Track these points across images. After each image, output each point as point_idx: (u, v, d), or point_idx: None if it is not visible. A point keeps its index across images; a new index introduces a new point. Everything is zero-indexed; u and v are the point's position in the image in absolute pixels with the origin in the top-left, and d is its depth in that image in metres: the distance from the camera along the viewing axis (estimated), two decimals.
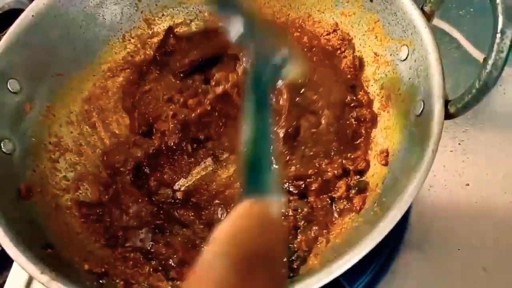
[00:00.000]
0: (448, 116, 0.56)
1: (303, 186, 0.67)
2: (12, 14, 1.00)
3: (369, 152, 0.69)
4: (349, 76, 0.74)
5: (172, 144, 0.76)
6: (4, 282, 0.79)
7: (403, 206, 0.52)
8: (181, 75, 0.79)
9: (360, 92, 0.72)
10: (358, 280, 0.68)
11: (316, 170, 0.67)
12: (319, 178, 0.67)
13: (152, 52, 0.83)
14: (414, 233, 0.72)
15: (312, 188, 0.67)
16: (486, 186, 0.73)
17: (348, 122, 0.70)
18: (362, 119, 0.70)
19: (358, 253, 0.50)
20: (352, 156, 0.68)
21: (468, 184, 0.74)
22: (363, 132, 0.70)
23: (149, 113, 0.79)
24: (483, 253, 0.69)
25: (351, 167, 0.67)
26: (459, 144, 0.77)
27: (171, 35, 0.82)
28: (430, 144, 0.54)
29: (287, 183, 0.68)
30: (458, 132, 0.77)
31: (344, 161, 0.68)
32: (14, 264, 0.79)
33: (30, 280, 0.76)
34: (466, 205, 0.72)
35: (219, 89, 0.75)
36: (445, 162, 0.75)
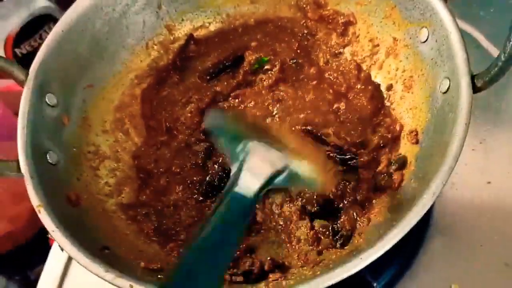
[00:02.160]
0: (476, 89, 0.58)
1: (354, 160, 0.70)
2: (42, 19, 1.04)
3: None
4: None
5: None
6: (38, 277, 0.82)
7: (444, 177, 0.54)
8: (208, 77, 0.82)
9: None
10: (382, 275, 0.71)
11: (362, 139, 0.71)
12: (368, 149, 0.71)
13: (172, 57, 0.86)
14: (437, 229, 0.74)
15: (362, 160, 0.71)
16: (508, 184, 0.76)
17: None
18: None
19: (401, 229, 0.52)
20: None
21: (490, 182, 0.76)
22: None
23: (165, 118, 0.82)
24: (505, 249, 0.71)
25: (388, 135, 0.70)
26: (480, 143, 0.79)
27: (192, 41, 0.85)
28: (462, 117, 0.56)
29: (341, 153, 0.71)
30: (479, 131, 0.80)
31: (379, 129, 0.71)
32: (49, 259, 0.83)
33: (63, 276, 0.79)
34: (488, 202, 0.75)
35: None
36: (467, 160, 0.77)
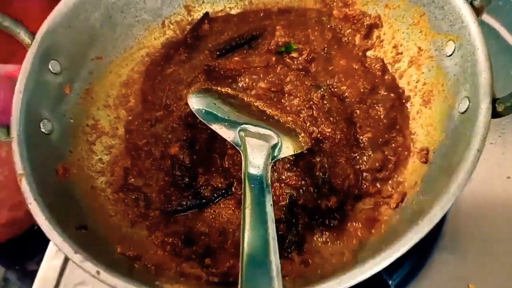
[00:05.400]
0: (495, 115, 0.54)
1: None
2: None
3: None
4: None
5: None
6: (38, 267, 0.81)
7: (445, 206, 0.50)
8: (217, 53, 0.78)
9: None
10: (396, 272, 0.68)
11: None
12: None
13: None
14: (452, 226, 0.70)
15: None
16: None
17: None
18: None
19: (397, 249, 0.49)
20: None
21: (509, 177, 0.71)
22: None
23: (167, 95, 0.78)
24: None
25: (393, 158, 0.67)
26: (499, 136, 0.75)
27: (206, 21, 0.82)
28: (475, 143, 0.52)
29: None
30: (498, 125, 0.76)
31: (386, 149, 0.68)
32: (48, 249, 0.81)
33: (63, 266, 0.78)
34: (506, 198, 0.71)
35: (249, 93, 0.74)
36: (485, 154, 0.70)
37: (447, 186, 0.51)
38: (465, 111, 0.58)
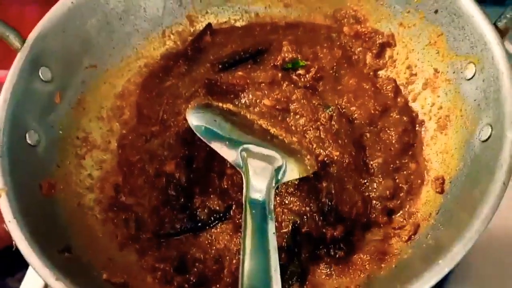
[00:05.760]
0: None
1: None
2: None
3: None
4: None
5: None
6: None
7: (466, 245, 0.45)
8: (220, 66, 0.73)
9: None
10: None
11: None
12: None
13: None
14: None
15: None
16: None
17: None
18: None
19: None
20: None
21: None
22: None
23: (164, 109, 0.72)
24: None
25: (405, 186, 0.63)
26: None
27: (208, 32, 0.77)
28: (500, 176, 0.48)
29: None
30: None
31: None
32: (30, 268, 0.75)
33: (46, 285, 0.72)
34: None
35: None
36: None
37: (470, 222, 0.47)
38: (487, 139, 0.53)
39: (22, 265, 0.76)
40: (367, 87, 0.69)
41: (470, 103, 0.59)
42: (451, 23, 0.62)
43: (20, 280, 0.76)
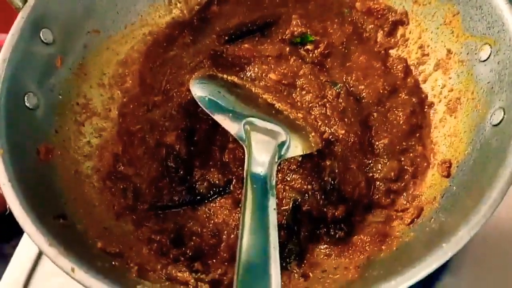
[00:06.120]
0: None
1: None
2: None
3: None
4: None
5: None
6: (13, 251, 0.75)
7: (472, 230, 0.44)
8: (226, 38, 0.71)
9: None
10: None
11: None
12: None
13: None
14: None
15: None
16: None
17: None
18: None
19: (416, 273, 0.43)
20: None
21: None
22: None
23: (167, 79, 0.71)
24: None
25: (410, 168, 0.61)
26: None
27: (216, 2, 0.75)
28: (511, 161, 0.46)
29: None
30: None
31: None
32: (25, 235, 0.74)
33: (41, 253, 0.72)
34: None
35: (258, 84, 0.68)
36: None
37: (477, 207, 0.45)
38: (499, 123, 0.52)
39: (17, 232, 0.75)
40: (376, 66, 0.67)
41: (482, 86, 0.57)
42: (468, 2, 0.60)
43: (15, 247, 0.76)
